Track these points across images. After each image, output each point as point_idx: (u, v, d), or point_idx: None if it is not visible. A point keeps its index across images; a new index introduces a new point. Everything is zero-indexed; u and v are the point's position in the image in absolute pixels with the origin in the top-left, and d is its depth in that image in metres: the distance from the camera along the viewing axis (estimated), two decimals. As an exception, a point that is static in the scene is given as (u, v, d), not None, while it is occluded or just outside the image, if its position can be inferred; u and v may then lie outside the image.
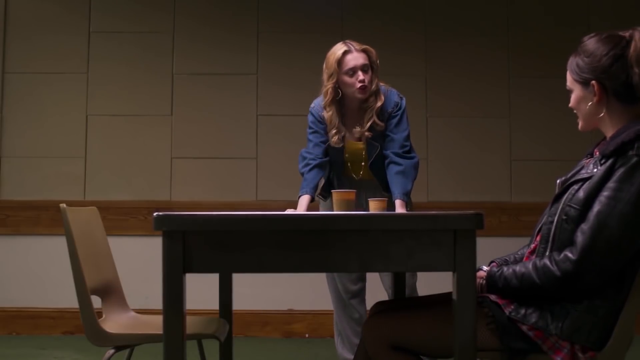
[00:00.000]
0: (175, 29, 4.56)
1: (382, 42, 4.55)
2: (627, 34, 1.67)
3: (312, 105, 3.14)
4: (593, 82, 1.68)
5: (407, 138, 2.98)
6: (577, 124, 1.80)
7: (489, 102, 4.54)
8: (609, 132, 1.72)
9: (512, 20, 4.60)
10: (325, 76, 2.97)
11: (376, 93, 2.96)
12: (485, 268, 1.84)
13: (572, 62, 1.74)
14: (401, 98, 3.03)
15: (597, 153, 1.73)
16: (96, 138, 4.51)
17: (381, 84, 3.00)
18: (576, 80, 1.73)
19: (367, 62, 2.92)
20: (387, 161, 2.95)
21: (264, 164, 4.51)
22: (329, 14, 4.58)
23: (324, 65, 2.98)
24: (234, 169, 4.51)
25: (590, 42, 1.71)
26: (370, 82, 2.91)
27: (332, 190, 2.20)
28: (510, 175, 4.50)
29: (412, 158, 2.95)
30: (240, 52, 4.56)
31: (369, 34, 4.56)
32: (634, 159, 1.58)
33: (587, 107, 1.72)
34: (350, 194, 2.12)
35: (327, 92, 2.96)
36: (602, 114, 1.71)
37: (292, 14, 4.59)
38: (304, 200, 2.80)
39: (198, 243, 1.50)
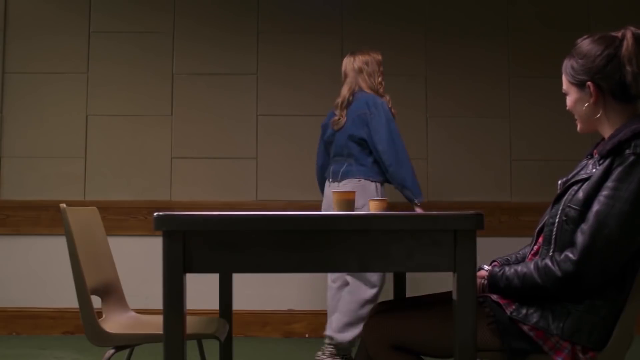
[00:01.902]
0: (175, 29, 4.56)
1: (382, 42, 4.57)
2: (619, 34, 1.69)
3: (382, 101, 3.51)
4: (589, 83, 1.69)
5: None
6: (576, 124, 1.81)
7: (489, 102, 4.54)
8: (607, 132, 1.72)
9: (512, 20, 4.60)
10: (379, 70, 3.59)
11: None
12: (486, 267, 1.84)
13: (567, 64, 1.75)
14: None
15: (596, 153, 1.73)
16: (96, 138, 4.51)
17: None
18: (572, 83, 1.74)
19: None
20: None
21: (264, 164, 4.51)
22: (329, 14, 4.59)
23: (376, 62, 3.60)
24: (234, 169, 4.51)
25: (584, 44, 1.72)
26: None
27: (332, 191, 2.20)
28: (510, 175, 4.50)
29: None
30: (240, 52, 4.56)
31: (369, 34, 4.58)
32: (631, 158, 1.59)
33: (584, 108, 1.73)
34: (350, 194, 2.12)
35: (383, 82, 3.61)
36: (599, 115, 1.71)
37: (292, 14, 4.59)
38: None
39: (198, 243, 1.50)
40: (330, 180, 3.60)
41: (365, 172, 3.47)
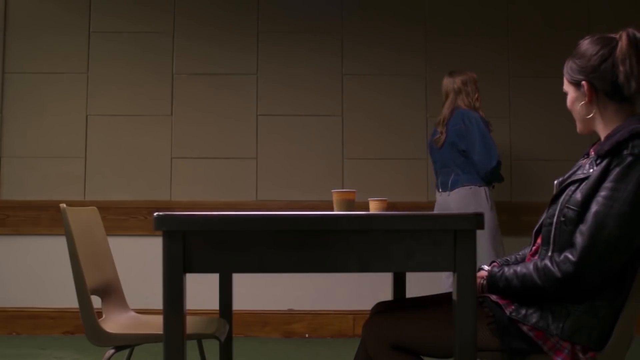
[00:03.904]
0: (175, 29, 4.57)
1: (382, 42, 4.58)
2: (617, 35, 1.70)
3: (475, 114, 3.80)
4: (583, 82, 1.71)
5: None
6: (576, 125, 1.82)
7: (489, 102, 4.54)
8: (603, 132, 1.73)
9: (512, 20, 4.60)
10: (476, 88, 3.90)
11: None
12: (486, 268, 1.84)
13: (567, 64, 1.78)
14: None
15: (593, 153, 1.74)
16: (96, 138, 4.52)
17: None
18: (570, 82, 1.77)
19: None
20: None
21: (264, 164, 4.51)
22: (329, 14, 4.59)
23: (473, 81, 3.88)
24: (234, 169, 4.51)
25: (583, 44, 1.74)
26: None
27: (332, 190, 2.20)
28: (510, 175, 4.50)
29: None
30: (240, 52, 4.56)
31: (369, 34, 4.58)
32: (629, 159, 1.59)
33: (580, 107, 1.75)
34: (350, 194, 2.12)
35: None
36: (592, 114, 1.73)
37: (292, 14, 4.59)
38: None
39: (198, 243, 1.50)
40: (440, 190, 3.89)
41: (473, 179, 3.77)
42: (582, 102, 1.73)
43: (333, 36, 4.58)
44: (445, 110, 3.89)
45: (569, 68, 1.76)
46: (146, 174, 4.50)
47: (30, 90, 4.53)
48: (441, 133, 3.86)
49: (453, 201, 3.80)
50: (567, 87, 1.78)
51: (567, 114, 1.85)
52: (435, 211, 3.93)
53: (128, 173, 4.50)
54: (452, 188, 3.80)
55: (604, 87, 1.69)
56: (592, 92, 1.71)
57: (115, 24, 4.57)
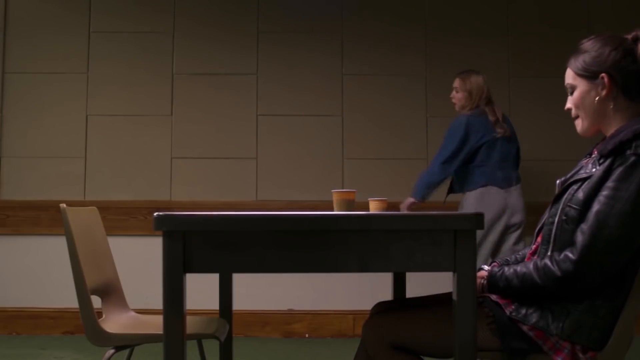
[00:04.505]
0: (175, 29, 4.56)
1: (382, 42, 4.58)
2: (630, 36, 1.69)
3: None
4: (602, 74, 1.68)
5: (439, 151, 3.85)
6: (576, 126, 1.79)
7: (489, 102, 4.54)
8: (609, 129, 1.72)
9: (512, 20, 4.60)
10: None
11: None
12: (486, 268, 1.84)
13: (575, 59, 1.74)
14: (456, 119, 3.84)
15: (596, 152, 1.73)
16: (96, 138, 4.52)
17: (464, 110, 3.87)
18: (581, 75, 1.72)
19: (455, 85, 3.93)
20: None
21: (263, 164, 4.51)
22: (329, 14, 4.59)
23: None
24: (234, 169, 4.51)
25: (593, 41, 1.72)
26: (459, 100, 3.91)
27: (332, 190, 2.21)
28: (510, 175, 4.49)
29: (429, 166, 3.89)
30: (240, 52, 4.56)
31: (369, 34, 4.58)
32: (632, 158, 1.59)
33: (594, 101, 1.71)
34: (350, 194, 2.12)
35: None
36: (610, 107, 1.70)
37: (292, 14, 4.59)
38: None
39: (198, 243, 1.50)
40: (504, 185, 3.81)
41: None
42: (598, 96, 1.70)
43: (333, 36, 4.58)
44: (498, 106, 3.89)
45: (581, 61, 1.71)
46: (146, 174, 4.50)
47: (30, 90, 4.53)
48: (504, 129, 3.81)
49: (519, 198, 3.85)
50: (575, 81, 1.73)
51: (568, 114, 1.83)
52: (498, 212, 3.80)
53: (128, 173, 4.50)
54: (517, 183, 3.86)
55: (624, 81, 1.67)
56: (612, 84, 1.69)
57: (115, 24, 4.57)
